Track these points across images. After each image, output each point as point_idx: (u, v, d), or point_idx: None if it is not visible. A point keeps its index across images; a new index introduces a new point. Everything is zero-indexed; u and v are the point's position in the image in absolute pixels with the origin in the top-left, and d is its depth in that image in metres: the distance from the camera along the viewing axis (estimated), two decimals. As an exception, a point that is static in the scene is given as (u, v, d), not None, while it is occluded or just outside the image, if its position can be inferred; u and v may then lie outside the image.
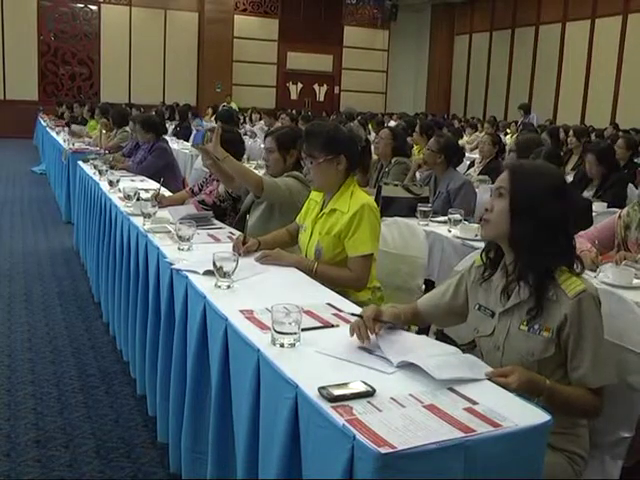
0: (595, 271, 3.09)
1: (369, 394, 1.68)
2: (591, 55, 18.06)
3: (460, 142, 10.06)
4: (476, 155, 7.92)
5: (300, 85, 22.45)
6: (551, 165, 2.25)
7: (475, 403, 1.67)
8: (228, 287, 2.56)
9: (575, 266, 2.06)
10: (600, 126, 14.07)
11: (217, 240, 3.38)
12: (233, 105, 17.57)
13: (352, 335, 2.08)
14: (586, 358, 1.97)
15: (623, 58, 17.12)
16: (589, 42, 18.09)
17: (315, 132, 3.06)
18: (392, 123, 12.71)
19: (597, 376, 1.98)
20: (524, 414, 1.63)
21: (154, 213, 3.71)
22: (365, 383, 1.72)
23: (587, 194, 5.39)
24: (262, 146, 4.12)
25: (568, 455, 2.08)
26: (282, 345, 1.99)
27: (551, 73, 19.17)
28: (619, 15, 17.16)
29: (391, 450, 1.43)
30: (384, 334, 2.06)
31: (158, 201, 4.04)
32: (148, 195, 4.31)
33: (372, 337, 2.05)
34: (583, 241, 3.37)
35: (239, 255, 2.76)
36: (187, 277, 2.68)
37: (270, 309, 2.04)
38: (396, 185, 4.63)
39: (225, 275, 2.55)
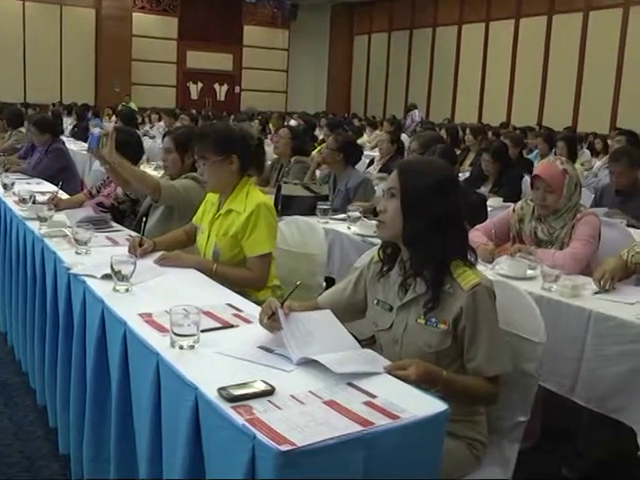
0: (491, 263, 3.19)
1: (269, 393, 1.68)
2: (486, 56, 18.70)
3: (360, 141, 10.23)
4: (376, 153, 8.05)
5: (200, 84, 22.26)
6: (439, 160, 2.32)
7: (374, 397, 1.69)
8: (127, 290, 2.52)
9: (469, 256, 2.12)
10: (496, 124, 14.57)
11: (115, 243, 3.31)
12: (132, 105, 17.23)
13: (264, 321, 2.09)
14: (481, 349, 2.03)
15: (516, 59, 17.83)
16: (484, 44, 18.74)
17: (206, 133, 3.08)
18: (293, 122, 12.74)
19: (492, 365, 2.05)
20: (422, 405, 1.67)
21: (50, 217, 3.58)
22: (265, 382, 1.73)
23: (484, 190, 5.57)
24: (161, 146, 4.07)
25: (468, 441, 2.14)
26: (181, 347, 1.97)
27: (448, 73, 19.72)
28: (512, 19, 17.85)
29: (291, 447, 1.44)
30: (287, 320, 2.04)
31: (54, 204, 3.92)
32: (44, 198, 4.18)
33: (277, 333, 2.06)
34: (480, 234, 3.47)
35: (135, 257, 2.73)
36: (85, 282, 2.62)
37: (169, 311, 2.02)
38: (296, 184, 4.65)
39: (123, 278, 2.51)
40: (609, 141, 10.23)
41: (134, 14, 20.62)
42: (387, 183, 2.17)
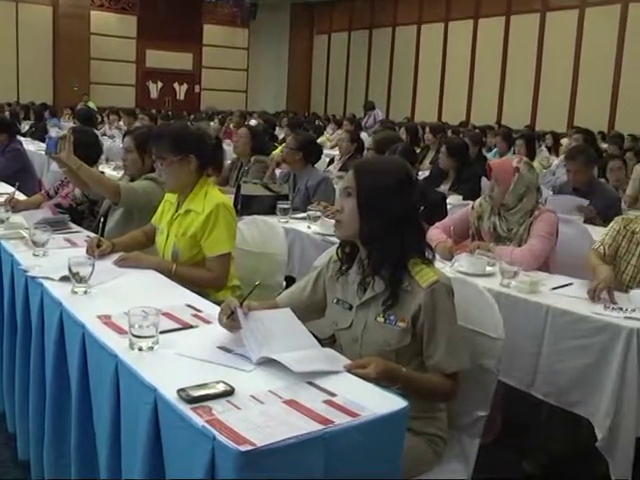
0: (451, 261, 3.22)
1: (228, 393, 1.68)
2: (445, 56, 18.87)
3: (320, 140, 10.24)
4: (336, 152, 8.06)
5: (160, 84, 22.08)
6: (395, 159, 2.32)
7: (334, 395, 1.70)
8: (85, 292, 2.49)
9: (427, 254, 2.13)
10: (456, 123, 14.73)
11: (74, 244, 3.27)
12: (91, 104, 17.01)
13: (223, 320, 2.08)
14: (440, 345, 2.05)
15: (475, 59, 18.03)
16: (443, 43, 18.90)
17: (163, 133, 3.07)
18: (253, 122, 12.71)
19: (451, 362, 2.06)
20: (382, 402, 1.68)
21: (7, 218, 3.55)
22: (224, 382, 1.72)
23: (443, 188, 5.61)
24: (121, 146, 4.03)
25: (428, 437, 2.16)
26: (141, 349, 1.96)
27: (408, 72, 19.86)
28: (470, 19, 18.05)
29: (251, 448, 1.44)
30: (246, 320, 2.04)
31: (12, 205, 3.87)
32: (1, 199, 4.11)
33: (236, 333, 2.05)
34: (439, 232, 3.51)
35: (93, 258, 2.70)
36: (42, 284, 2.58)
37: (128, 313, 2.00)
38: (255, 183, 4.64)
39: (82, 280, 2.48)
40: (566, 140, 10.39)
41: (92, 12, 20.32)
42: (343, 182, 2.18)
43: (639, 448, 2.61)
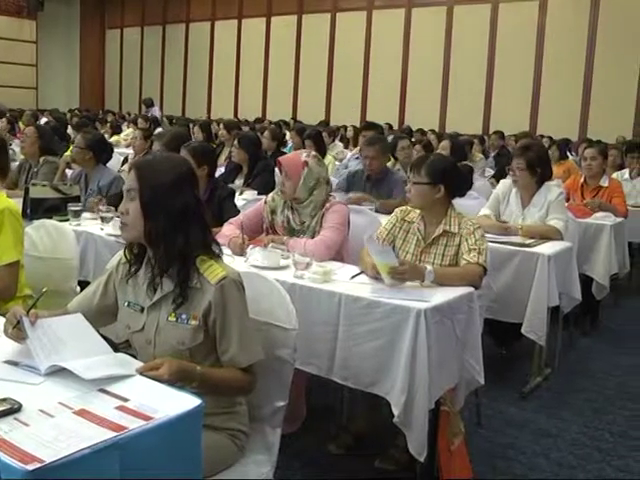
0: (244, 256, 3.25)
1: (15, 410, 1.59)
2: (240, 53, 19.09)
3: (114, 138, 9.98)
4: (131, 151, 7.90)
5: (-61, 80, 20.38)
6: (176, 156, 2.31)
7: (126, 400, 1.67)
8: None
9: (214, 249, 2.14)
10: (252, 119, 14.93)
11: None
12: None
13: (9, 331, 1.99)
14: (233, 340, 2.07)
15: (269, 56, 18.41)
16: (237, 40, 19.09)
17: None
18: (44, 120, 12.12)
19: (245, 356, 2.09)
20: (175, 403, 1.67)
21: None
22: (11, 399, 1.63)
23: (238, 183, 5.67)
24: None
25: (229, 432, 2.18)
26: None
27: (203, 69, 19.87)
28: (263, 17, 18.39)
29: (39, 465, 1.37)
30: (34, 328, 1.96)
31: None
32: None
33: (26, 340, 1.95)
34: (232, 228, 3.53)
35: None
36: None
37: None
38: (44, 185, 4.44)
39: None
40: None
41: None
42: (126, 183, 2.14)
43: (432, 420, 2.79)
